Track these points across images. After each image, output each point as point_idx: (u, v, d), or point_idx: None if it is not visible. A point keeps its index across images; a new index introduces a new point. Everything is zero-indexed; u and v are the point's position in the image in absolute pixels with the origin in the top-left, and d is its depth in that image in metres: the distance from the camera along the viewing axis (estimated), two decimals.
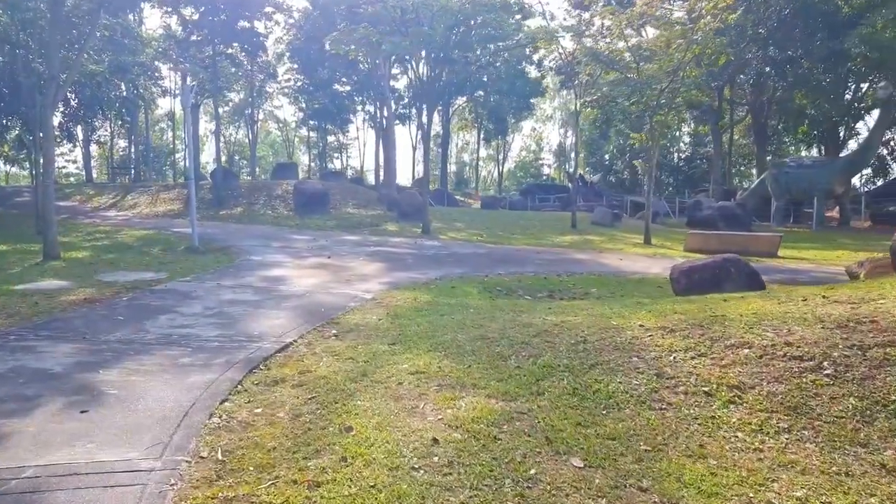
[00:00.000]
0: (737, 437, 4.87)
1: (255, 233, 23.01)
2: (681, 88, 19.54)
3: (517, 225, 26.94)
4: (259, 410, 5.48)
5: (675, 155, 67.54)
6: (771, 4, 28.77)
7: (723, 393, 5.41)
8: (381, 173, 44.12)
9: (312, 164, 70.72)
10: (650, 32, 21.77)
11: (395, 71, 46.14)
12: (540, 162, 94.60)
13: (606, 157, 77.32)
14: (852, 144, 41.58)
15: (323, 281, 12.51)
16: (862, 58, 27.58)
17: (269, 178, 49.83)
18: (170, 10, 31.66)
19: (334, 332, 8.23)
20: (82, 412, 5.36)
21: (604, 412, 5.29)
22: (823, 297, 7.33)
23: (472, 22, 20.61)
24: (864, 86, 38.91)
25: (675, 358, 6.07)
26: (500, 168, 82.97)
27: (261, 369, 6.66)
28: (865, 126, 43.71)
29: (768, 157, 50.26)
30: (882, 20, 23.72)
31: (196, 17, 33.09)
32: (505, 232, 24.26)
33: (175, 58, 28.74)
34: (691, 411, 5.23)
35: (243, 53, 36.49)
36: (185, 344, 7.56)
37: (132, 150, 54.76)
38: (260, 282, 12.31)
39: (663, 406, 5.35)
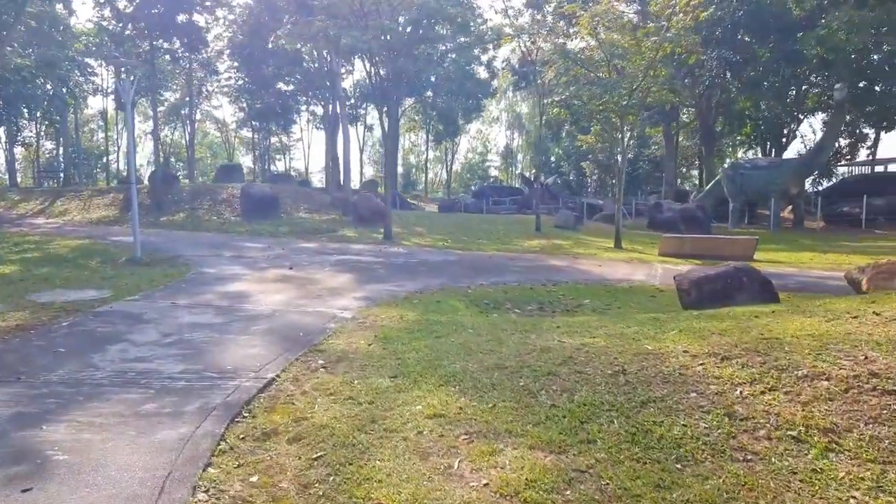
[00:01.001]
0: (854, 498, 4.02)
1: (202, 241, 21.42)
2: (652, 88, 19.01)
3: (480, 229, 26.05)
4: (255, 479, 4.37)
5: (619, 156, 68.16)
6: (725, 6, 28.78)
7: (815, 438, 4.57)
8: (334, 176, 42.58)
9: (255, 167, 68.29)
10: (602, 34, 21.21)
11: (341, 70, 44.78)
12: (487, 164, 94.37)
13: (552, 158, 77.67)
14: (796, 145, 42.49)
15: (291, 297, 11.29)
16: (818, 59, 27.82)
17: (211, 181, 47.69)
18: (103, 0, 29.56)
19: (321, 362, 7.11)
20: (24, 491, 4.15)
21: (679, 467, 4.38)
22: (875, 313, 6.63)
23: (433, 18, 19.61)
24: (806, 88, 39.67)
25: (741, 393, 5.21)
26: (449, 170, 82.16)
27: (245, 417, 5.51)
28: (811, 127, 44.74)
29: (716, 159, 51.06)
30: (837, 22, 23.87)
31: (130, 9, 31.07)
32: (469, 237, 23.33)
33: (108, 52, 26.72)
34: (785, 463, 4.37)
35: (183, 49, 34.49)
36: (146, 384, 6.31)
37: (60, 152, 51.53)
38: (220, 300, 11.01)
39: (748, 456, 4.48)
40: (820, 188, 35.84)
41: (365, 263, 16.08)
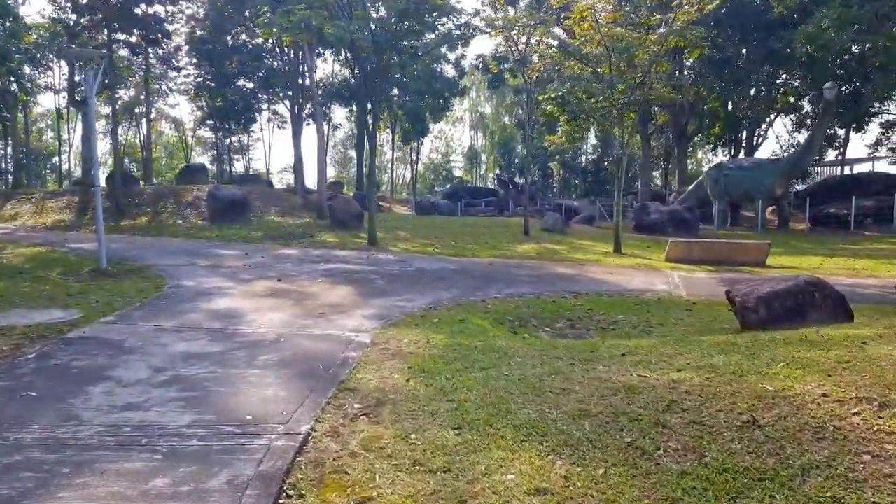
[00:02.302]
0: None
1: (170, 248, 19.79)
2: (655, 84, 18.13)
3: (464, 233, 24.90)
4: None
5: (583, 157, 67.93)
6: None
7: None
8: (299, 177, 40.89)
9: (214, 167, 65.86)
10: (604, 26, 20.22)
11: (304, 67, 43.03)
12: (451, 164, 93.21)
13: (516, 159, 77.04)
14: (768, 146, 42.49)
15: (291, 316, 9.97)
16: (805, 58, 27.45)
17: (168, 182, 45.56)
18: None
19: (358, 406, 5.87)
20: None
21: None
22: None
23: (422, 7, 18.38)
24: (781, 87, 39.61)
25: None
26: (414, 170, 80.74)
27: (290, 497, 4.24)
28: (785, 127, 44.79)
29: (689, 160, 50.95)
30: (828, 19, 23.46)
31: None
32: (457, 241, 22.16)
33: (63, 45, 24.77)
34: None
35: (142, 42, 32.48)
36: (149, 445, 4.98)
37: (9, 152, 48.61)
38: (210, 320, 9.62)
39: None
40: (796, 189, 35.61)
41: (359, 273, 14.78)
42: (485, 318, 10.08)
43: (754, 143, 44.86)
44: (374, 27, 19.09)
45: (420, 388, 6.36)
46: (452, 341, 8.31)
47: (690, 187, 34.42)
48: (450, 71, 56.57)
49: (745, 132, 46.18)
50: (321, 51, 40.03)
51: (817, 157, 46.11)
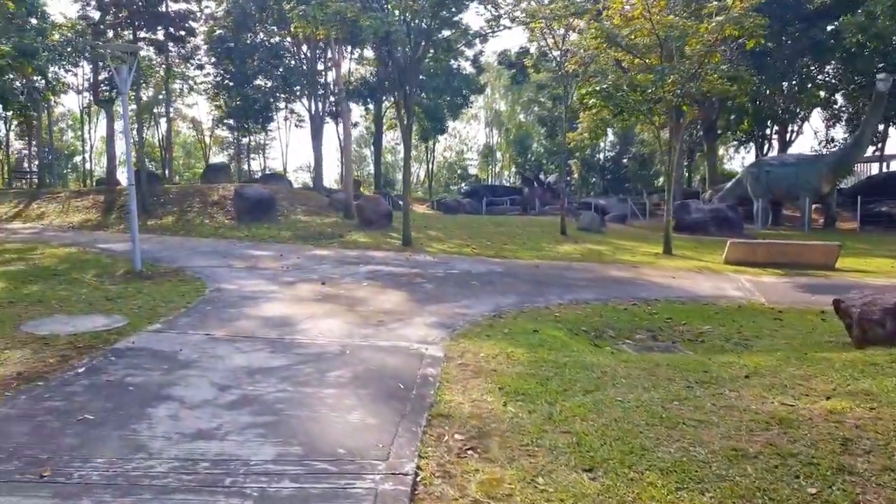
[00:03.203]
0: None
1: (201, 248, 19.17)
2: (710, 75, 17.23)
3: (497, 232, 24.12)
4: None
5: (603, 154, 66.87)
6: None
7: None
8: (318, 175, 40.26)
9: (232, 166, 65.36)
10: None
11: (321, 66, 42.40)
12: (465, 162, 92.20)
13: (532, 157, 76.00)
14: (803, 142, 41.38)
15: (348, 324, 9.26)
16: (856, 47, 26.35)
17: (187, 181, 45.10)
18: None
19: (459, 437, 5.15)
20: None
21: None
22: None
23: None
24: (818, 81, 38.44)
25: None
26: (430, 169, 79.94)
27: None
28: (824, 122, 43.56)
29: (699, 156, 49.80)
30: (881, 6, 22.42)
31: None
32: (492, 242, 21.39)
33: (88, 43, 24.26)
34: None
35: (167, 39, 31.93)
36: (235, 487, 4.28)
37: (32, 151, 48.31)
38: (263, 328, 8.92)
39: None
40: (840, 187, 34.36)
41: (403, 276, 14.06)
42: (557, 328, 9.32)
43: (787, 139, 43.64)
44: (408, 17, 18.37)
45: (523, 414, 5.62)
46: (535, 356, 7.57)
47: (728, 185, 33.38)
48: (467, 67, 55.84)
49: (775, 128, 45.04)
50: (354, 45, 39.30)
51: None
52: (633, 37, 17.63)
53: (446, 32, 20.51)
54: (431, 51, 19.79)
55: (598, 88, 18.43)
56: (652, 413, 5.46)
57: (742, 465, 4.35)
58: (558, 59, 23.64)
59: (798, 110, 39.58)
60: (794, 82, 37.23)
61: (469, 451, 4.89)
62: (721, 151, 75.41)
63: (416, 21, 18.54)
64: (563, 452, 4.75)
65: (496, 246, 20.20)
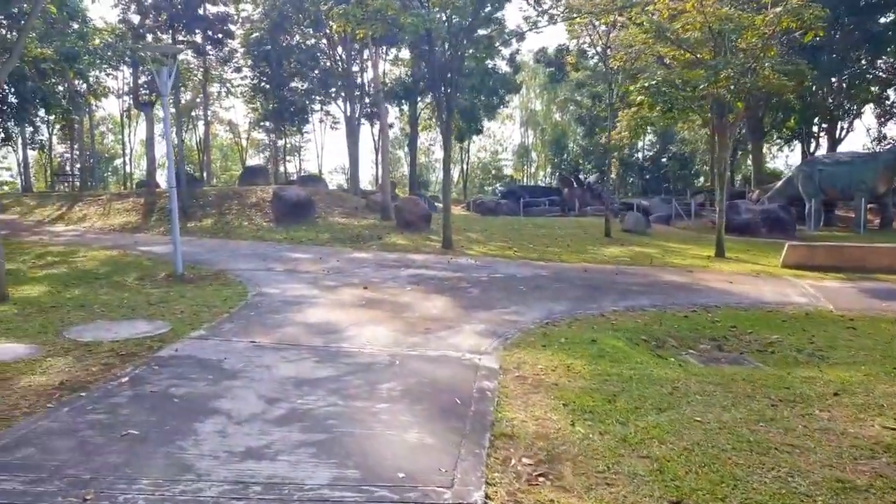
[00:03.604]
0: None
1: (241, 250, 19.05)
2: (765, 69, 16.50)
3: (538, 234, 23.61)
4: None
5: (641, 153, 65.70)
6: None
7: None
8: (354, 177, 40.05)
9: (269, 168, 65.78)
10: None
11: (356, 67, 42.25)
12: (500, 163, 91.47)
13: (567, 156, 75.01)
14: (853, 139, 39.93)
15: (394, 332, 8.90)
16: None
17: (232, 183, 45.40)
18: None
19: (527, 461, 4.78)
20: None
21: None
22: None
23: None
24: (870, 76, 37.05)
25: None
26: (465, 169, 79.44)
27: None
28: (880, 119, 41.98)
29: (741, 155, 48.32)
30: None
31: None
32: (534, 244, 20.89)
33: (126, 47, 24.43)
34: None
35: (206, 42, 32.09)
36: None
37: (74, 154, 49.14)
38: (308, 335, 8.62)
39: None
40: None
41: (446, 280, 13.67)
42: (616, 337, 8.84)
43: (837, 136, 42.14)
44: (449, 14, 18.01)
45: (594, 435, 5.20)
46: (597, 368, 7.12)
47: (778, 184, 32.25)
48: (503, 67, 55.28)
49: (823, 125, 43.62)
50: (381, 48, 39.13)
51: None
52: (684, 30, 16.97)
53: (487, 30, 20.09)
54: (472, 49, 19.37)
55: (646, 85, 17.81)
56: (737, 436, 5.00)
57: (851, 499, 3.87)
58: (601, 55, 23.00)
59: (851, 106, 38.17)
60: (845, 77, 35.97)
61: (540, 478, 4.48)
62: (763, 150, 73.51)
63: (458, 18, 18.17)
64: (645, 481, 4.32)
65: (539, 249, 19.71)
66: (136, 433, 5.19)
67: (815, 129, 45.34)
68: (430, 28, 17.17)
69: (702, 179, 69.75)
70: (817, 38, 27.57)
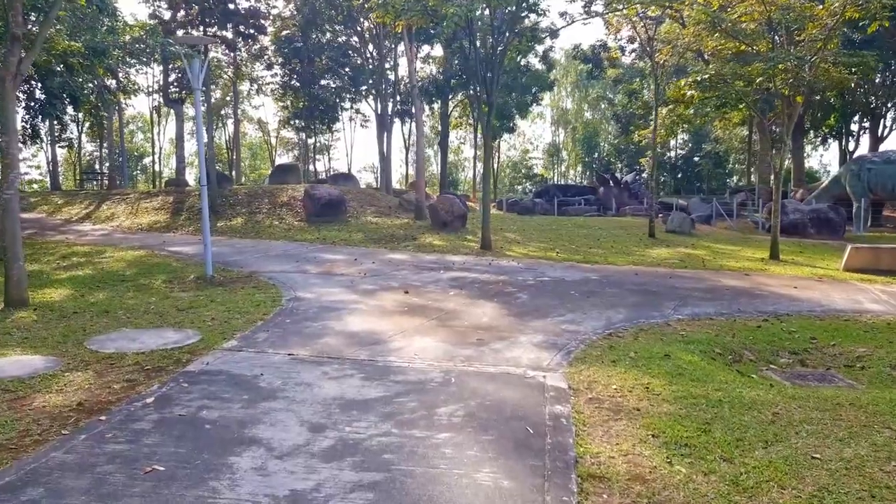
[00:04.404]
0: None
1: (273, 251, 18.41)
2: (826, 62, 15.38)
3: (579, 235, 22.66)
4: None
5: (674, 152, 64.29)
6: None
7: None
8: (385, 176, 39.39)
9: (303, 167, 65.54)
10: None
11: (388, 64, 41.55)
12: (531, 161, 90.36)
13: (596, 155, 73.75)
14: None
15: (444, 343, 8.09)
16: None
17: (261, 181, 45.03)
18: None
19: None
20: None
21: None
22: None
23: None
24: None
25: None
26: (497, 168, 78.43)
27: None
28: None
29: (773, 153, 46.58)
30: None
31: None
32: (576, 245, 19.95)
33: (156, 42, 23.97)
34: None
35: (238, 37, 31.62)
36: None
37: (102, 152, 49.20)
38: (350, 347, 7.84)
39: None
40: None
41: (490, 284, 12.84)
42: (688, 350, 7.93)
43: (880, 134, 40.48)
44: (493, 3, 17.17)
45: (697, 477, 4.35)
46: (679, 389, 6.24)
47: (825, 184, 30.92)
48: (536, 64, 54.25)
49: (864, 123, 41.99)
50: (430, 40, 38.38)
51: None
52: (742, 20, 15.91)
53: (530, 21, 19.21)
54: (515, 40, 18.48)
55: (698, 79, 16.78)
56: (871, 480, 4.14)
57: None
58: (645, 50, 22.00)
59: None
60: (889, 73, 34.45)
61: None
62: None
63: (501, 8, 17.31)
64: None
65: (582, 250, 18.77)
66: (161, 469, 4.45)
67: (853, 127, 43.72)
68: (472, 18, 16.35)
69: (735, 178, 68.23)
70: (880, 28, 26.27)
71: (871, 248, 15.54)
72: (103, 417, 5.42)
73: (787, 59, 15.05)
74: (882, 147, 39.01)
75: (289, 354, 7.44)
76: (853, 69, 16.30)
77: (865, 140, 43.94)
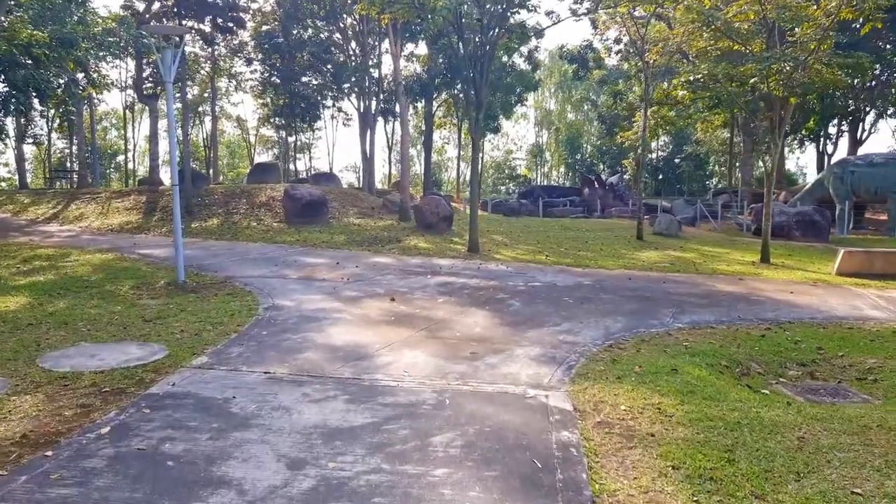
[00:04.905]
0: None
1: (250, 254, 17.65)
2: (820, 62, 14.97)
3: (566, 237, 22.15)
4: None
5: (655, 154, 64.33)
6: None
7: None
8: (367, 176, 38.61)
9: (283, 166, 64.53)
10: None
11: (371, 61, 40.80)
12: (514, 162, 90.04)
13: (579, 156, 73.64)
14: (875, 140, 38.36)
15: (434, 357, 7.48)
16: None
17: (238, 180, 44.04)
18: None
19: None
20: None
21: None
22: None
23: None
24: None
25: None
26: (480, 169, 77.89)
27: None
28: None
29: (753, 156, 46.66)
30: None
31: None
32: (564, 248, 19.42)
33: (129, 32, 23.04)
34: None
35: (215, 30, 30.67)
36: None
37: (73, 150, 47.77)
38: (333, 363, 7.20)
39: None
40: None
41: (481, 290, 12.23)
42: (694, 362, 7.40)
43: (858, 137, 40.54)
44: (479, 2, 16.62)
45: None
46: (693, 410, 5.70)
47: (808, 186, 30.80)
48: (521, 64, 53.82)
49: (843, 126, 42.07)
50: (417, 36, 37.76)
51: None
52: (735, 19, 15.46)
53: (520, 17, 18.68)
54: (506, 37, 17.89)
55: (690, 79, 16.33)
56: None
57: None
58: (635, 49, 21.53)
59: (884, 106, 36.59)
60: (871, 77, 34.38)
61: None
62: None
63: (492, 2, 16.71)
64: None
65: (571, 253, 18.25)
66: None
67: (831, 130, 43.74)
68: (461, 12, 15.73)
69: (715, 180, 68.41)
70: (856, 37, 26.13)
71: (864, 251, 15.20)
72: (50, 452, 4.73)
73: (783, 59, 14.63)
74: (861, 150, 39.04)
75: (265, 373, 6.77)
76: (849, 70, 15.94)
77: (843, 143, 44.08)
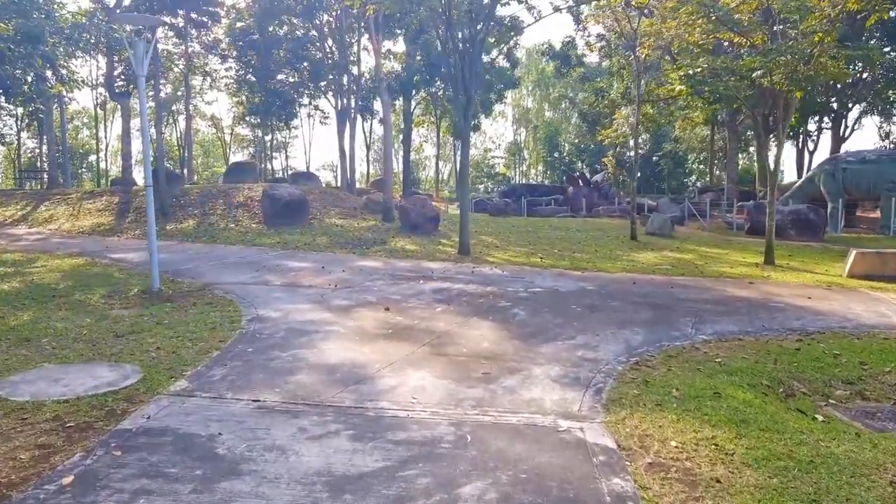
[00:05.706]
0: None
1: (229, 258, 16.70)
2: (826, 55, 14.40)
3: (558, 238, 21.46)
4: None
5: (634, 152, 64.06)
6: None
7: None
8: (344, 174, 37.60)
9: (259, 166, 63.13)
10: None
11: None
12: (493, 160, 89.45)
13: (557, 154, 73.27)
14: (858, 138, 38.27)
15: (445, 380, 6.67)
16: None
17: (213, 179, 42.82)
18: None
19: None
20: None
21: None
22: None
23: None
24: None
25: None
26: (457, 167, 77.10)
27: None
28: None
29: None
30: None
31: None
32: (558, 249, 18.70)
33: (99, 24, 21.92)
34: None
35: (189, 25, 29.53)
36: None
37: (43, 150, 46.13)
38: (331, 388, 6.36)
39: None
40: None
41: (480, 297, 11.45)
42: (733, 382, 6.69)
43: (841, 134, 40.41)
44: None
45: None
46: (756, 446, 4.97)
47: (798, 183, 30.46)
48: (500, 61, 53.16)
49: (824, 122, 42.01)
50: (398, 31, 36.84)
51: None
52: (736, 11, 14.83)
53: (508, 9, 17.87)
54: (496, 29, 17.15)
55: (690, 73, 15.69)
56: None
57: None
58: (628, 43, 20.87)
59: (874, 102, 36.48)
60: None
61: None
62: (751, 149, 72.11)
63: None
64: None
65: (566, 255, 17.56)
66: None
67: (811, 127, 43.63)
68: (451, 3, 14.93)
69: (694, 178, 68.42)
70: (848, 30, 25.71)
71: (876, 252, 14.68)
72: None
73: (789, 51, 14.03)
74: (843, 147, 38.88)
75: (254, 401, 5.92)
76: (856, 62, 15.41)
77: (823, 140, 44.01)
